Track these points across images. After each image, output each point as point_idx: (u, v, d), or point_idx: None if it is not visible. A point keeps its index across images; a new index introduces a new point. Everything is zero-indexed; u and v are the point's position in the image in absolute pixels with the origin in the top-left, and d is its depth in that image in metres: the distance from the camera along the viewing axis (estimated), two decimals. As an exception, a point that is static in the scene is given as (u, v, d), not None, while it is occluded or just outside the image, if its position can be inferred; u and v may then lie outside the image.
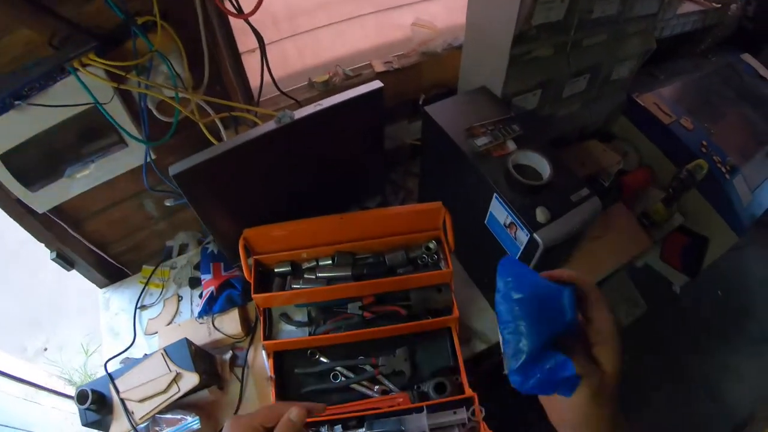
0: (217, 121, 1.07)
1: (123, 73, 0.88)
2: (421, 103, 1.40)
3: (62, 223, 1.13)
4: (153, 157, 1.08)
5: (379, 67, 1.34)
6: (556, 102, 1.30)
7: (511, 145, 1.00)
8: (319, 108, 0.94)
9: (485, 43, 1.13)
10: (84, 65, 0.85)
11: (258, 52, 1.07)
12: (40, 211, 1.05)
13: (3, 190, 0.96)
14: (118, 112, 0.96)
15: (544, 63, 1.16)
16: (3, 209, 1.01)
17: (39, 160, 0.97)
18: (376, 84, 0.99)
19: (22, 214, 1.05)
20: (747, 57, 1.96)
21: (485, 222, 1.03)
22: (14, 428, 1.65)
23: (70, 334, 2.40)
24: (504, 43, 1.04)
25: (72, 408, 0.99)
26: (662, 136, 1.56)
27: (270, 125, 0.91)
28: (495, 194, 0.95)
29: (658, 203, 1.47)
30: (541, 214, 0.88)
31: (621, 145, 1.63)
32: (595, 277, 1.34)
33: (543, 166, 0.95)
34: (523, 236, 0.91)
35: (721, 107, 1.74)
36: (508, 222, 0.95)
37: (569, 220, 0.91)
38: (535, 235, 0.87)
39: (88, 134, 0.99)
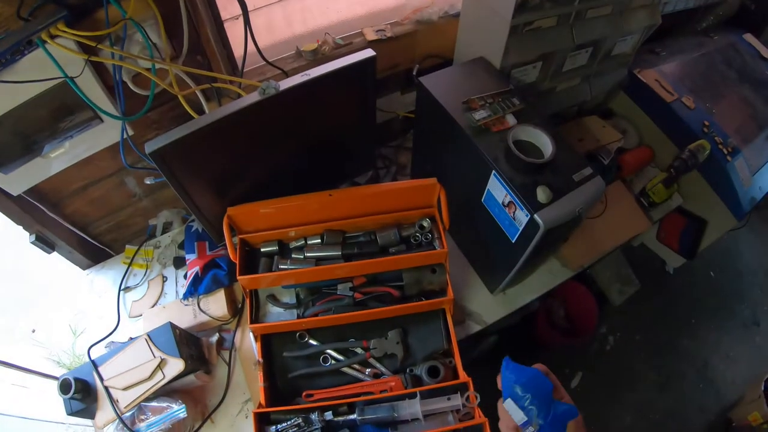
0: (198, 93, 1.02)
1: (94, 44, 0.83)
2: (415, 73, 1.34)
3: (39, 205, 1.09)
4: (131, 133, 1.03)
5: (371, 36, 1.28)
6: (556, 76, 1.25)
7: (510, 120, 0.96)
8: (306, 78, 0.89)
9: (485, 12, 1.07)
10: (53, 37, 0.79)
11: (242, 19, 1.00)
12: (14, 194, 1.00)
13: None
14: (90, 86, 0.90)
15: (546, 34, 1.11)
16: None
17: (10, 140, 0.91)
18: (368, 53, 0.94)
19: (-3, 197, 1.00)
20: (749, 37, 1.91)
21: (482, 200, 1.00)
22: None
23: (58, 314, 2.35)
24: (505, 11, 0.99)
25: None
26: (663, 114, 1.51)
27: (253, 97, 0.85)
28: (493, 171, 0.90)
29: (658, 183, 1.43)
30: (542, 194, 0.84)
31: (620, 122, 1.59)
32: (592, 259, 1.32)
33: (545, 143, 0.91)
34: (522, 217, 0.87)
35: (722, 87, 1.69)
36: (506, 201, 0.91)
37: (571, 201, 0.87)
38: (535, 216, 0.84)
39: (62, 110, 0.93)
